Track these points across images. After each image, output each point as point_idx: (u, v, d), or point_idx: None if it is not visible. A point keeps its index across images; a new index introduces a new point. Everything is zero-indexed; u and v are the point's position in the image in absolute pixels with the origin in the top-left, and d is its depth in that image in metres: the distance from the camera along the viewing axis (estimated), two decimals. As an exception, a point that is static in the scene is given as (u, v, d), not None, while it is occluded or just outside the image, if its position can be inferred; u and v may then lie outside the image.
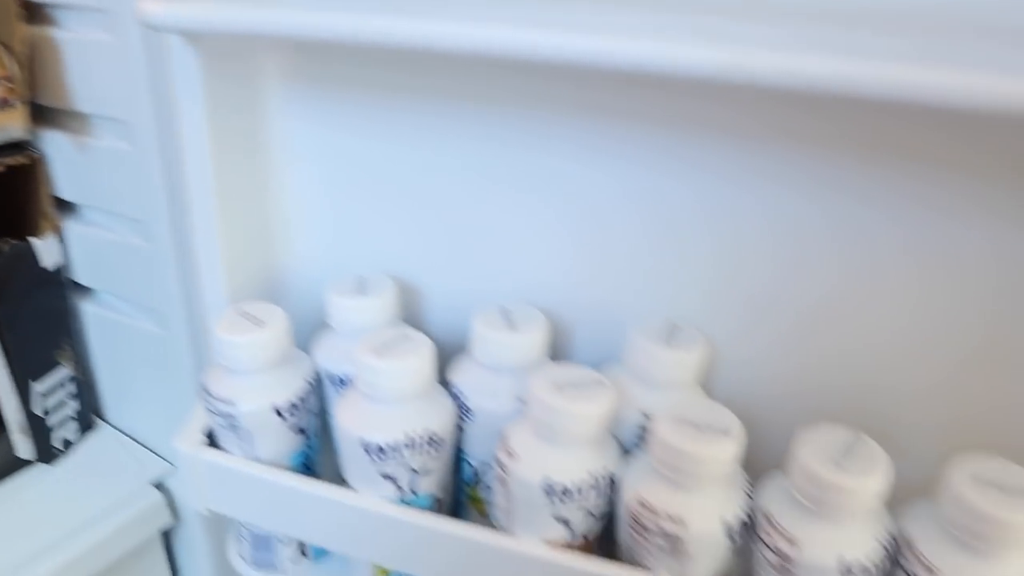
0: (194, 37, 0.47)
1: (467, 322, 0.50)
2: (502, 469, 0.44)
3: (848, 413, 0.46)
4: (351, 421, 0.47)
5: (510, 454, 0.44)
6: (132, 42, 0.54)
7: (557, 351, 0.54)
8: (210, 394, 0.49)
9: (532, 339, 0.48)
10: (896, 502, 0.43)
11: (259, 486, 0.50)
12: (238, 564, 0.58)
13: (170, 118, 0.55)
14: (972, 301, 0.43)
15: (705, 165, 0.45)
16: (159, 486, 0.74)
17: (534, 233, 0.52)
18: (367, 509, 0.47)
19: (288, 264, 0.59)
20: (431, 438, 0.46)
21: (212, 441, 0.52)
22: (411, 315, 0.57)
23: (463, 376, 0.50)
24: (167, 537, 0.79)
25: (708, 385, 0.50)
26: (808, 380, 0.48)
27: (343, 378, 0.52)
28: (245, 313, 0.50)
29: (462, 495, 0.54)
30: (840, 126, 0.42)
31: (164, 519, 0.75)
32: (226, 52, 0.50)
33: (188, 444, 0.51)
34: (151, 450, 0.77)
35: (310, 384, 0.51)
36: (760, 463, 0.45)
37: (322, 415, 0.55)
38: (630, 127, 0.46)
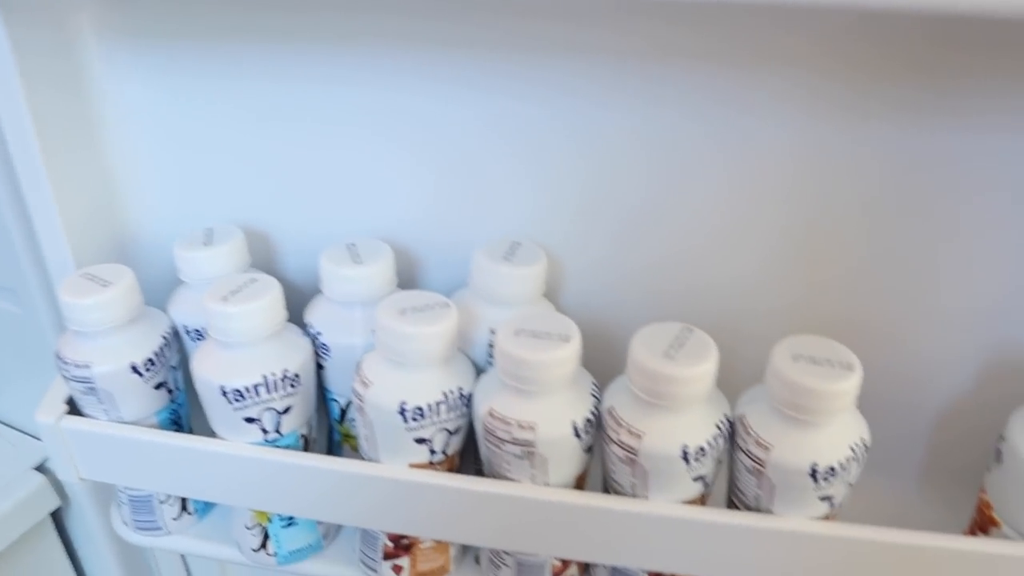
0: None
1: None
2: (359, 399, 0.46)
3: (686, 311, 0.49)
4: (207, 369, 0.47)
5: (364, 383, 0.45)
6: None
7: (412, 283, 0.55)
8: (64, 360, 0.49)
9: (378, 271, 0.49)
10: (738, 389, 0.46)
11: (125, 447, 0.50)
12: (121, 530, 0.58)
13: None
14: (778, 190, 0.46)
15: (521, 88, 0.47)
16: (41, 468, 0.73)
17: (379, 169, 0.52)
18: (233, 454, 0.48)
19: (139, 224, 0.58)
20: (288, 376, 0.47)
21: (76, 410, 0.52)
22: (265, 261, 0.57)
23: (317, 314, 0.51)
24: (59, 518, 0.78)
25: (555, 297, 0.52)
26: (644, 283, 0.51)
27: (200, 331, 0.53)
28: (90, 275, 0.49)
29: (335, 434, 0.56)
30: (630, 36, 0.44)
31: (51, 501, 0.74)
32: (36, 17, 0.48)
33: (50, 415, 0.51)
34: (28, 434, 0.75)
35: (166, 339, 0.51)
36: (613, 366, 0.47)
37: (185, 370, 0.55)
38: (442, 53, 0.47)
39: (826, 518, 0.43)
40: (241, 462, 0.48)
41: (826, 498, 0.42)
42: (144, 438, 0.49)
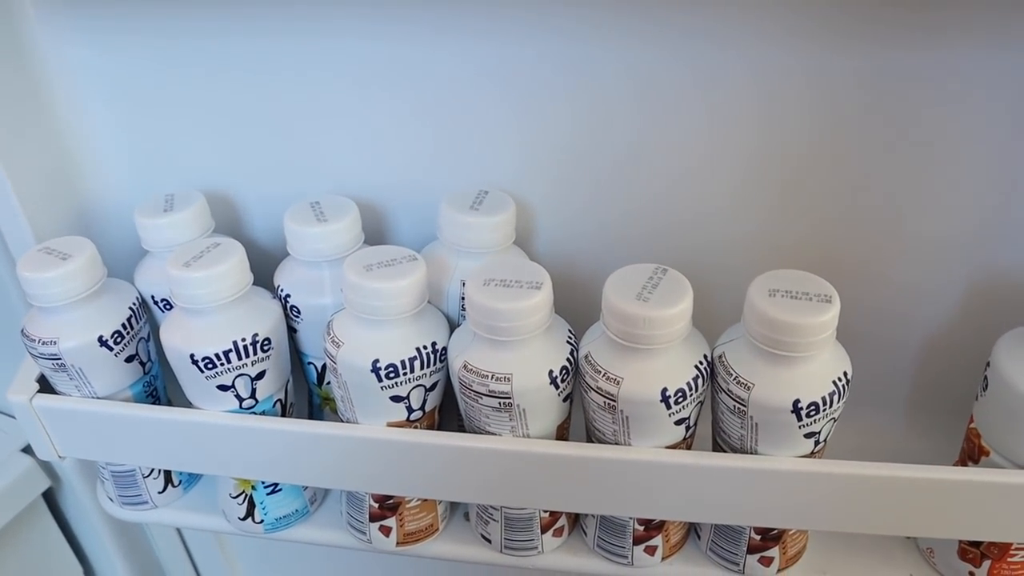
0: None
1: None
2: (331, 359, 0.44)
3: (661, 253, 0.47)
4: (176, 338, 0.46)
5: (336, 343, 0.44)
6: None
7: (381, 240, 0.54)
8: (30, 337, 0.48)
9: (344, 227, 0.47)
10: (718, 329, 0.45)
11: (100, 422, 0.49)
12: (107, 506, 0.57)
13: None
14: (750, 122, 0.45)
15: (487, 29, 0.45)
16: (28, 450, 0.73)
17: (344, 122, 0.51)
18: (209, 423, 0.47)
19: (98, 194, 0.57)
20: (257, 341, 0.46)
21: (49, 387, 0.51)
22: (232, 225, 0.56)
23: (286, 277, 0.50)
24: (52, 498, 0.77)
25: (527, 246, 0.51)
26: (619, 227, 0.50)
27: (168, 300, 0.51)
28: (50, 249, 0.48)
29: (315, 398, 0.55)
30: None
31: (41, 482, 0.73)
32: None
33: (21, 393, 0.50)
34: (12, 416, 0.74)
35: (133, 310, 0.50)
36: (590, 314, 0.46)
37: (157, 341, 0.54)
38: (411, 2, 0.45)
39: (812, 455, 0.42)
40: (218, 430, 0.47)
41: (811, 435, 0.41)
42: (117, 412, 0.48)
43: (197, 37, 0.49)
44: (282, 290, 0.49)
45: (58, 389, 0.50)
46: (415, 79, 0.48)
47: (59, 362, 0.48)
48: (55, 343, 0.47)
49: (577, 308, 0.46)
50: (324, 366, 0.51)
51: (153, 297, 0.52)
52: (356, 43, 0.47)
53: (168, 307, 0.52)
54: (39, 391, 0.50)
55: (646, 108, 0.46)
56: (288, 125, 0.52)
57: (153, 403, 0.53)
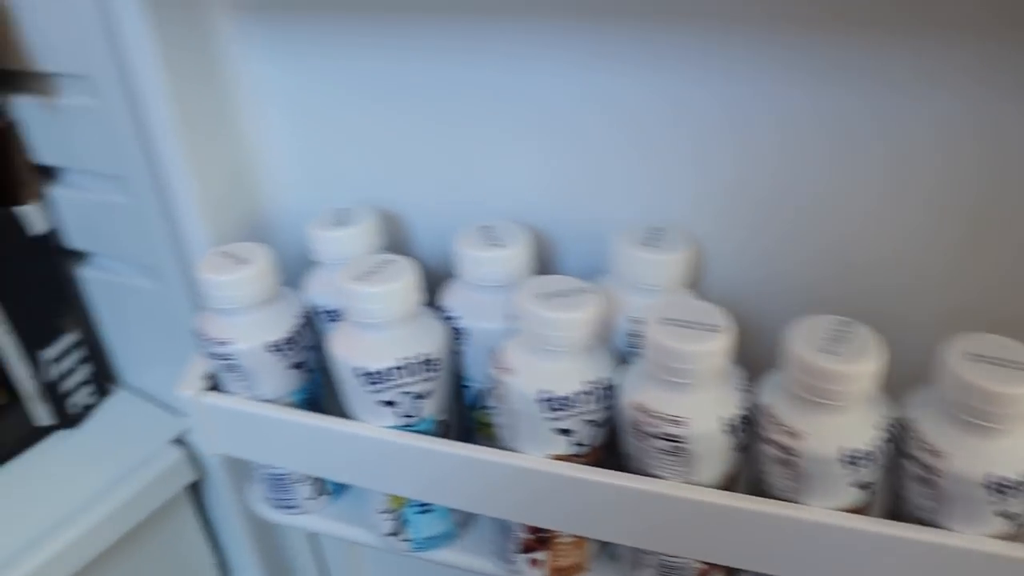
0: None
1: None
2: (498, 386, 0.44)
3: (841, 304, 0.45)
4: (343, 350, 0.46)
5: (504, 370, 0.44)
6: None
7: (547, 268, 0.53)
8: (205, 337, 0.49)
9: (516, 254, 0.47)
10: (899, 390, 0.42)
11: (263, 424, 0.50)
12: (258, 507, 0.58)
13: (125, 67, 0.54)
14: (939, 172, 0.42)
15: (671, 64, 0.44)
16: (180, 442, 0.75)
17: (514, 150, 0.51)
18: (367, 436, 0.47)
19: (272, 203, 0.59)
20: (425, 361, 0.46)
21: (215, 385, 0.52)
22: (398, 243, 0.57)
23: (453, 298, 0.50)
24: (195, 492, 0.80)
25: (699, 287, 0.49)
26: (799, 275, 0.48)
27: (333, 311, 0.52)
28: (227, 253, 0.49)
29: (470, 421, 0.54)
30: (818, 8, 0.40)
31: (188, 474, 0.75)
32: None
33: (191, 390, 0.52)
34: (168, 407, 0.77)
35: (302, 319, 0.51)
36: (759, 361, 0.44)
37: (320, 351, 0.54)
38: (595, 33, 0.45)
39: (1008, 537, 0.39)
40: (375, 444, 0.47)
41: (1007, 514, 0.38)
42: (281, 416, 0.49)
43: (377, 59, 0.50)
44: (449, 311, 0.49)
45: (225, 387, 0.52)
46: (597, 111, 0.47)
47: (231, 363, 0.49)
48: (229, 344, 0.49)
49: (741, 353, 0.44)
50: (483, 390, 0.51)
51: (321, 307, 0.53)
52: (539, 74, 0.47)
53: (334, 318, 0.52)
54: (206, 388, 0.52)
55: (835, 155, 0.44)
56: (460, 149, 0.52)
57: (313, 411, 0.53)
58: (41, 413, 0.73)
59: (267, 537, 0.79)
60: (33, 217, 0.69)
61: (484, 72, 0.48)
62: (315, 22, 0.51)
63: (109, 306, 0.75)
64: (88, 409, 0.77)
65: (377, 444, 0.47)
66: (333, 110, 0.54)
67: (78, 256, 0.74)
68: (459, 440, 0.54)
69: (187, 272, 0.63)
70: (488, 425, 0.52)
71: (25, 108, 0.65)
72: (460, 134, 0.51)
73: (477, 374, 0.50)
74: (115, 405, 0.79)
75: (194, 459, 0.75)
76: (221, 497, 0.78)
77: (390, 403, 0.47)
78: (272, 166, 0.57)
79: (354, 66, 0.52)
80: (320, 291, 0.53)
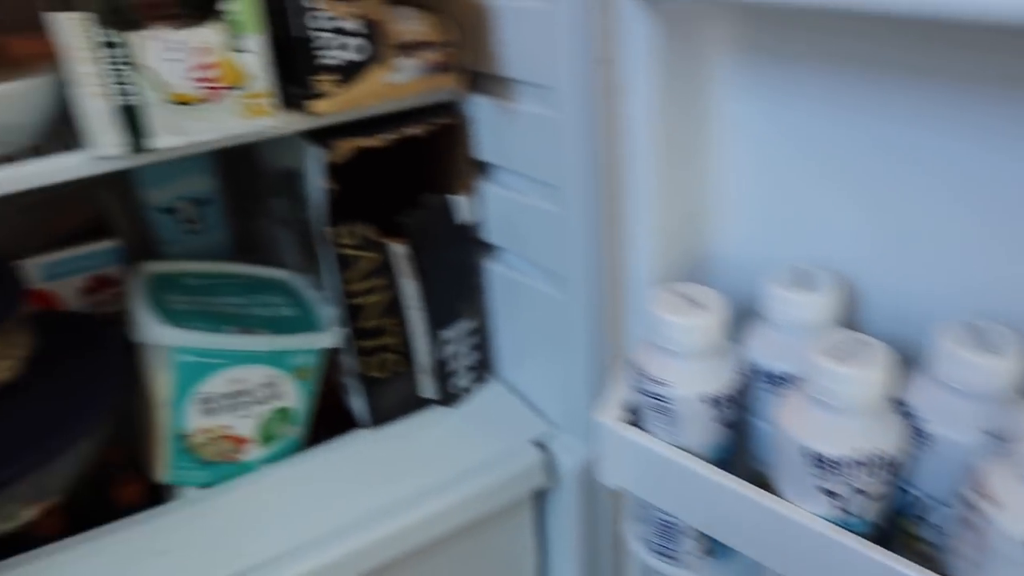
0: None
1: (916, 332, 0.45)
2: (977, 515, 0.39)
3: None
4: (796, 426, 0.44)
5: (989, 500, 0.39)
6: (566, 7, 0.55)
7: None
8: (642, 372, 0.49)
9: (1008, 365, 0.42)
10: None
11: (681, 474, 0.48)
12: (636, 547, 0.57)
13: (604, 86, 0.54)
14: None
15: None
16: (539, 445, 0.76)
17: (990, 233, 0.45)
18: (797, 521, 0.44)
19: (716, 246, 0.57)
20: (884, 459, 0.42)
21: (632, 419, 0.52)
22: (847, 316, 0.52)
23: (920, 396, 0.45)
24: (540, 500, 0.80)
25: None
26: None
27: (777, 375, 0.49)
28: (681, 294, 0.48)
29: (891, 525, 0.50)
30: None
31: (539, 479, 0.76)
32: (678, 19, 0.48)
33: (611, 420, 0.51)
34: (536, 408, 0.79)
35: (742, 376, 0.49)
36: None
37: (744, 408, 0.52)
38: None
39: None
40: (802, 531, 0.44)
41: None
42: (707, 474, 0.47)
43: (860, 112, 0.47)
44: (912, 410, 0.45)
45: (643, 424, 0.51)
46: None
47: (663, 405, 0.48)
48: (667, 386, 0.48)
49: None
50: (926, 500, 0.46)
51: (761, 367, 0.50)
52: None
53: (774, 382, 0.50)
54: (625, 420, 0.51)
55: None
56: (933, 222, 0.47)
57: (721, 467, 0.51)
58: (427, 386, 0.78)
59: (597, 564, 0.79)
60: (463, 207, 0.73)
61: (979, 141, 0.43)
62: (807, 71, 0.48)
63: (506, 301, 0.78)
64: (466, 392, 0.80)
65: (806, 532, 0.44)
66: (805, 163, 0.51)
67: (490, 249, 0.77)
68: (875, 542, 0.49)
69: (597, 291, 0.63)
70: (916, 538, 0.47)
71: (481, 107, 0.69)
72: (934, 206, 0.46)
73: (926, 483, 0.45)
74: (489, 394, 0.82)
75: (550, 465, 0.76)
76: (565, 513, 0.78)
77: (832, 493, 0.43)
78: (729, 208, 0.56)
79: (832, 117, 0.48)
80: (763, 350, 0.50)
